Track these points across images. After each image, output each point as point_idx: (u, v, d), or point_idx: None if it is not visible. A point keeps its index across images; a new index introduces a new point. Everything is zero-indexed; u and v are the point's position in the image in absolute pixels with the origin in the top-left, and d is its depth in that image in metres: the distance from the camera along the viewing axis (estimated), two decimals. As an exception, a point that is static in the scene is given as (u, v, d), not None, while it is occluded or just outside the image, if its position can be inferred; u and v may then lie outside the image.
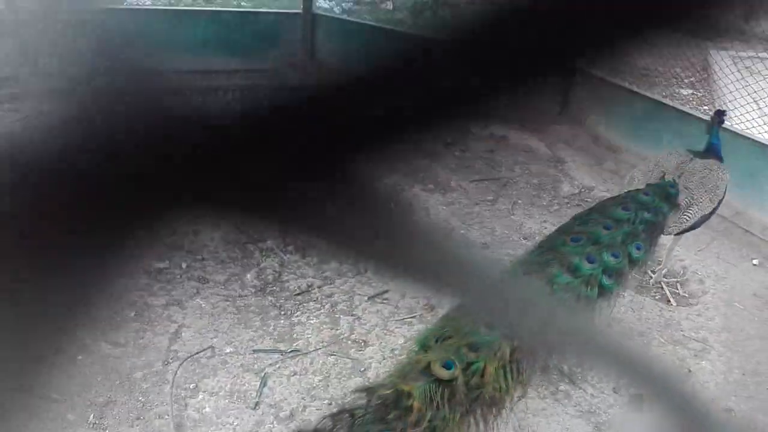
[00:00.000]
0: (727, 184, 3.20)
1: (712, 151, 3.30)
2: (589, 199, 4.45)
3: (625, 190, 3.06)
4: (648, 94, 4.93)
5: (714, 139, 3.33)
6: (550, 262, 2.46)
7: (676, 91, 6.81)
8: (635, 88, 5.03)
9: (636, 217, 2.76)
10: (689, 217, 3.04)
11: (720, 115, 3.43)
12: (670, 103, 4.76)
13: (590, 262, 2.46)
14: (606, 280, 2.46)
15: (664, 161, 3.18)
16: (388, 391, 1.86)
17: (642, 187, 3.04)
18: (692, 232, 3.22)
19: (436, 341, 2.07)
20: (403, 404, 1.83)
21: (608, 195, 4.48)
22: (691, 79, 7.09)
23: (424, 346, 2.08)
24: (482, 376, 1.98)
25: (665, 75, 6.81)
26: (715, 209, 3.16)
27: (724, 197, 3.19)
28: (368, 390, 1.92)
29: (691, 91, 6.98)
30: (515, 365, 2.06)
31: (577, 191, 4.55)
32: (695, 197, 3.04)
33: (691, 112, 4.68)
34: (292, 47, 6.20)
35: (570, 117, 5.39)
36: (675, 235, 3.17)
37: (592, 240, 2.57)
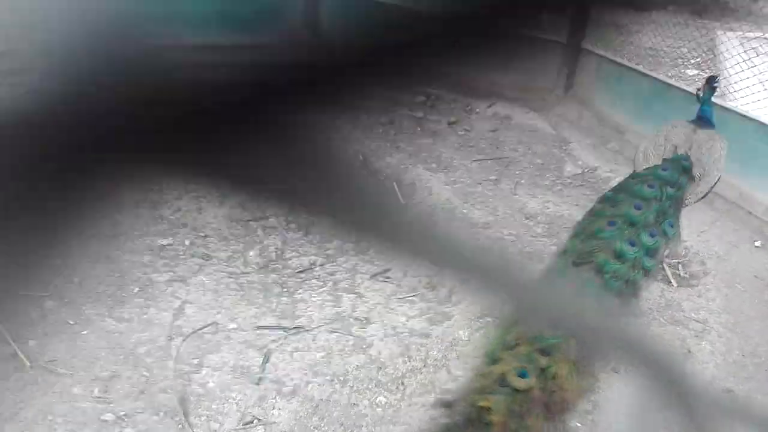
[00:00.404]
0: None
1: (705, 120, 3.30)
2: (592, 179, 4.44)
3: (643, 167, 3.05)
4: (654, 74, 4.88)
5: (706, 106, 3.32)
6: (594, 251, 2.46)
7: (682, 71, 6.75)
8: (641, 68, 4.99)
9: (662, 194, 2.77)
10: (703, 189, 3.05)
11: (711, 81, 3.39)
12: (676, 84, 4.71)
13: (632, 245, 2.48)
14: (647, 262, 2.49)
15: (672, 135, 3.17)
16: (468, 408, 1.84)
17: (658, 162, 3.03)
18: (694, 211, 3.21)
19: (505, 350, 2.05)
20: (484, 420, 1.81)
21: (612, 175, 4.49)
22: (698, 60, 7.02)
23: (493, 358, 2.05)
24: (556, 379, 1.96)
25: (671, 55, 6.74)
26: (719, 179, 3.17)
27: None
28: (449, 405, 1.91)
29: (697, 72, 6.92)
30: (583, 362, 2.06)
31: (580, 171, 4.54)
32: (706, 168, 3.05)
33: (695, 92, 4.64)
34: (295, 23, 6.15)
35: (575, 97, 5.35)
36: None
37: (628, 222, 2.58)
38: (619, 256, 2.44)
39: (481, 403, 1.84)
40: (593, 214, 2.80)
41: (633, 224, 2.58)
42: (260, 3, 5.99)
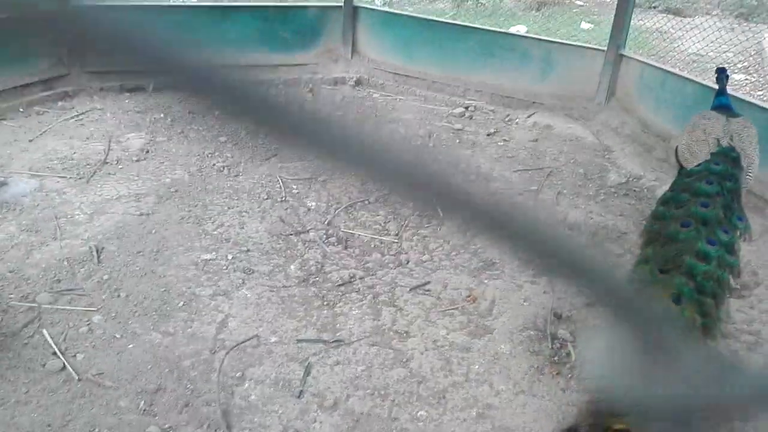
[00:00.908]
0: None
1: (727, 107, 3.36)
2: (636, 188, 4.34)
3: (693, 164, 3.02)
4: (699, 80, 4.76)
5: (724, 96, 3.42)
6: (680, 255, 2.42)
7: (730, 76, 6.58)
8: (686, 74, 4.88)
9: (722, 189, 2.74)
10: (751, 176, 3.04)
11: (722, 72, 3.52)
12: (722, 89, 4.58)
13: (712, 243, 2.44)
14: (729, 258, 2.45)
15: (709, 127, 3.14)
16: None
17: (706, 157, 2.99)
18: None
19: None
20: None
21: (657, 184, 4.38)
22: (744, 64, 6.84)
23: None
24: None
25: (716, 60, 6.58)
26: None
27: None
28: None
29: (744, 77, 6.73)
30: None
31: (624, 180, 4.45)
32: (750, 155, 3.03)
33: (743, 97, 4.51)
34: (334, 41, 6.23)
35: (617, 104, 5.26)
36: None
37: (701, 221, 2.55)
38: (704, 256, 2.39)
39: (617, 426, 1.70)
40: (660, 218, 2.76)
41: (706, 223, 2.53)
42: (299, 23, 6.10)
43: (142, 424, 2.37)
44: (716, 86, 3.58)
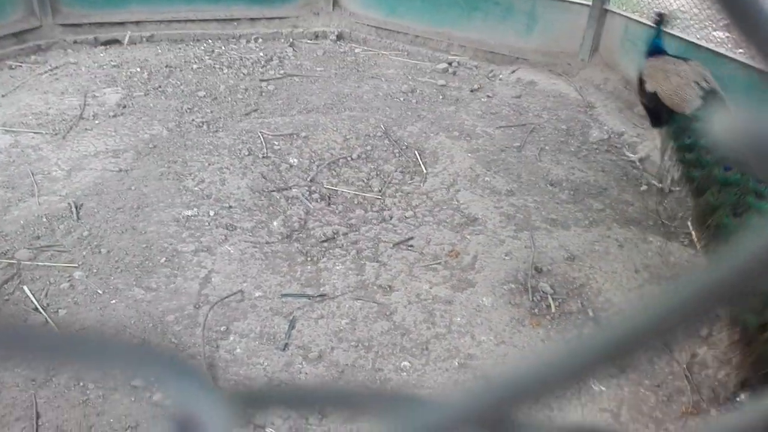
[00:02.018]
0: None
1: (664, 49, 3.74)
2: (618, 145, 4.36)
3: (690, 108, 3.29)
4: (682, 35, 4.75)
5: (660, 39, 3.78)
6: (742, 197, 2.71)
7: (711, 33, 6.56)
8: (669, 30, 4.85)
9: None
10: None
11: (661, 16, 3.84)
12: (705, 45, 4.58)
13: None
14: None
15: (683, 72, 3.43)
16: None
17: (698, 99, 3.30)
18: None
19: None
20: None
21: (638, 140, 4.40)
22: (726, 21, 6.80)
23: None
24: None
25: (699, 17, 6.54)
26: None
27: None
28: None
29: (726, 33, 6.71)
30: None
31: (606, 136, 4.46)
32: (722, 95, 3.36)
33: (726, 53, 4.51)
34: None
35: (601, 61, 5.23)
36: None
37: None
38: (760, 194, 2.71)
39: None
40: (697, 165, 3.07)
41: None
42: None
43: (126, 377, 2.38)
44: (659, 34, 3.82)
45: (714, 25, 6.57)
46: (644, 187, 3.92)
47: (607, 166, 4.12)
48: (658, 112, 3.55)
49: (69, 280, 2.85)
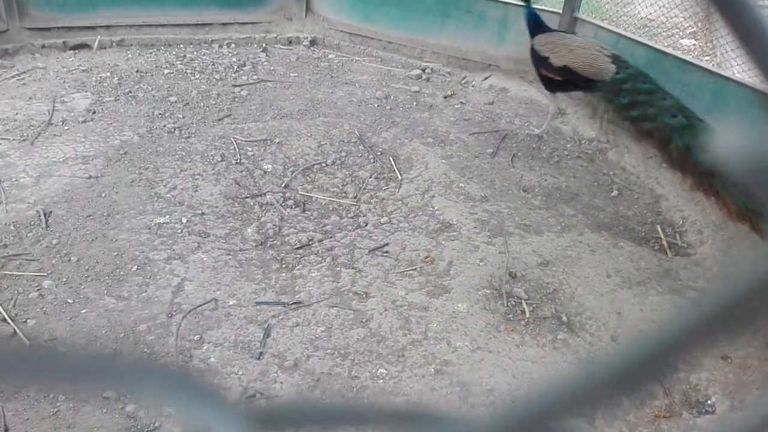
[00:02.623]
0: None
1: (545, 24, 4.29)
2: (588, 151, 4.43)
3: (608, 74, 3.81)
4: (650, 43, 4.84)
5: (537, 14, 4.28)
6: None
7: (678, 41, 6.71)
8: (637, 38, 4.95)
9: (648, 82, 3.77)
10: None
11: None
12: (672, 52, 4.68)
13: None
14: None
15: (582, 43, 4.03)
16: None
17: (611, 65, 3.86)
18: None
19: None
20: None
21: (609, 146, 4.47)
22: (693, 30, 6.98)
23: None
24: None
25: (666, 25, 6.69)
26: None
27: None
28: None
29: (692, 42, 6.88)
30: None
31: (578, 143, 4.53)
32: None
33: (692, 60, 4.61)
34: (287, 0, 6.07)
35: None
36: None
37: (677, 108, 3.57)
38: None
39: None
40: (650, 119, 3.60)
41: (679, 108, 3.59)
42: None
43: (98, 388, 2.33)
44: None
45: (681, 33, 6.73)
46: (615, 193, 3.98)
47: (578, 172, 4.18)
48: (572, 83, 4.05)
49: (38, 290, 2.78)
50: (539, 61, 4.14)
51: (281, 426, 0.36)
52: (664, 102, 3.63)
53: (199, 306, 2.80)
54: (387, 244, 3.33)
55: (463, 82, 5.34)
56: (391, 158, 4.08)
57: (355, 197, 3.71)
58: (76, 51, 5.17)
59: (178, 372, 0.36)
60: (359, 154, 4.12)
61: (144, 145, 3.99)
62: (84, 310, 2.71)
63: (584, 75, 3.83)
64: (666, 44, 5.81)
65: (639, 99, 3.65)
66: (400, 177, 3.91)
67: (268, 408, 0.35)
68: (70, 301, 2.75)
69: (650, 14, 6.38)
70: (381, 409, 0.37)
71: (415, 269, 3.17)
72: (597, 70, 3.78)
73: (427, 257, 3.26)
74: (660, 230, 3.65)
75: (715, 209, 3.73)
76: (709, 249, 3.49)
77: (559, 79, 4.06)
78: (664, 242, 3.55)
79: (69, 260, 2.98)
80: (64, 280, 2.86)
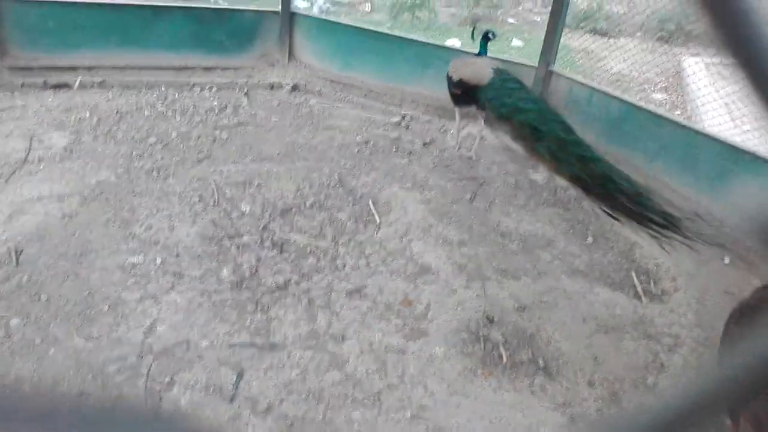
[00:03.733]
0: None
1: (480, 53, 5.02)
2: (564, 199, 4.50)
3: (485, 81, 4.53)
4: (623, 97, 5.00)
5: (483, 50, 5.00)
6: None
7: (650, 95, 6.93)
8: (611, 92, 5.11)
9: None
10: None
11: (487, 33, 5.03)
12: (645, 106, 4.83)
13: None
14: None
15: (480, 62, 4.78)
16: None
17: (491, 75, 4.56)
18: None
19: None
20: None
21: (584, 195, 4.55)
22: (664, 85, 7.23)
23: None
24: None
25: (638, 80, 6.93)
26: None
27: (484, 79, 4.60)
28: None
29: (664, 96, 7.11)
30: None
31: (553, 191, 4.60)
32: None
33: (664, 114, 4.76)
34: (270, 46, 6.17)
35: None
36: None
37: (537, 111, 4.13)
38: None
39: None
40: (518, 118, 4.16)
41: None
42: (235, 26, 6.01)
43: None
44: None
45: (653, 88, 6.96)
46: (590, 240, 4.03)
47: (554, 219, 4.23)
48: (465, 93, 4.71)
49: (5, 329, 2.70)
50: (449, 81, 4.89)
51: None
52: (522, 94, 4.31)
53: (171, 347, 2.73)
54: (365, 287, 3.31)
55: (441, 129, 5.43)
56: (370, 202, 4.10)
57: (333, 240, 3.70)
58: (56, 90, 5.17)
59: (148, 415, 0.35)
60: (338, 198, 4.13)
61: (121, 185, 3.96)
62: (52, 351, 2.63)
63: (471, 83, 4.59)
64: (638, 98, 6.00)
65: (504, 94, 4.33)
66: (378, 220, 3.92)
67: None
68: (38, 341, 2.67)
69: (623, 69, 6.61)
70: None
71: (392, 312, 3.15)
72: (479, 77, 4.53)
73: (404, 300, 3.24)
74: (635, 277, 3.68)
75: (688, 257, 3.80)
76: (683, 296, 3.53)
77: (458, 93, 4.81)
78: (639, 289, 3.58)
79: (38, 299, 2.91)
80: (33, 319, 2.78)
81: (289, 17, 6.08)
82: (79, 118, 4.78)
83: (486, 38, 5.05)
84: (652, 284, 3.65)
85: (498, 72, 4.57)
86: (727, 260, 3.91)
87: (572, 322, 3.23)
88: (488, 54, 5.04)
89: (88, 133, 4.58)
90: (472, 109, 4.93)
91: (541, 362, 2.93)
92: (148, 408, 2.39)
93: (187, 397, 2.50)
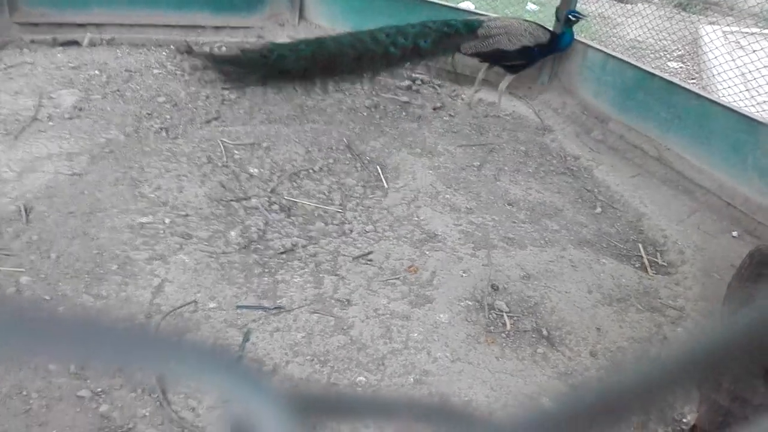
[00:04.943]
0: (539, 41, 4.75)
1: (560, 40, 4.85)
2: (574, 167, 4.47)
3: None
4: (638, 64, 4.91)
5: (569, 34, 4.85)
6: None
7: (665, 63, 6.80)
8: (625, 58, 5.01)
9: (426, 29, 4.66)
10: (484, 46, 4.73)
11: (568, 16, 4.77)
12: (660, 74, 4.74)
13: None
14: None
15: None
16: None
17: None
18: (673, 201, 3.47)
19: None
20: None
21: (594, 164, 4.52)
22: (680, 53, 7.08)
23: None
24: None
25: (654, 47, 6.79)
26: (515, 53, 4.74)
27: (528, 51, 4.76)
28: None
29: (679, 65, 6.98)
30: None
31: (563, 159, 4.56)
32: (494, 34, 4.68)
33: (679, 83, 4.68)
34: (280, 5, 6.07)
35: (559, 85, 5.36)
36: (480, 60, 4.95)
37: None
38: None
39: None
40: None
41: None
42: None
43: (72, 387, 2.30)
44: None
45: (668, 56, 6.82)
46: (598, 210, 4.02)
47: (563, 188, 4.21)
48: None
49: (15, 285, 2.74)
50: (505, 52, 4.86)
51: (319, 413, 0.35)
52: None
53: (179, 307, 2.77)
54: (371, 252, 3.32)
55: (452, 94, 5.37)
56: (378, 167, 4.09)
57: (341, 204, 3.70)
58: (66, 47, 5.13)
59: (217, 352, 0.35)
60: (346, 162, 4.12)
61: (130, 145, 3.96)
62: (61, 308, 2.66)
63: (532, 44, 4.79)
64: (653, 66, 5.89)
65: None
66: (386, 186, 3.92)
67: (307, 396, 0.35)
68: (47, 298, 2.71)
69: (639, 36, 6.47)
70: (412, 403, 0.37)
71: (398, 278, 3.17)
72: (536, 35, 4.76)
73: (410, 267, 3.26)
74: (642, 248, 3.68)
75: (696, 230, 3.78)
76: (690, 269, 3.53)
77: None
78: (645, 260, 3.58)
79: (48, 257, 2.94)
80: (42, 276, 2.82)
81: (300, -24, 5.96)
82: (89, 76, 4.75)
83: (568, 20, 4.76)
84: (658, 256, 3.65)
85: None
86: (735, 234, 3.90)
87: (577, 292, 3.24)
88: (571, 32, 4.84)
89: (97, 91, 4.56)
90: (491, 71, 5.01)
91: (544, 331, 2.95)
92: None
93: (194, 357, 2.54)
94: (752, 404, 2.08)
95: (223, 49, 5.32)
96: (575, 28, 4.89)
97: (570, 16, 4.77)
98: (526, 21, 4.86)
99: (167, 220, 3.32)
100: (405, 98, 5.17)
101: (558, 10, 5.01)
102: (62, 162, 3.66)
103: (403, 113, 4.92)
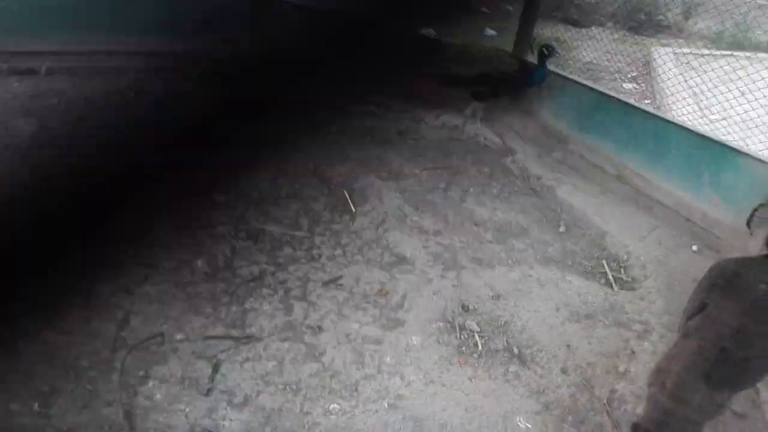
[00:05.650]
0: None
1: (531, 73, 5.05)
2: (538, 188, 4.54)
3: None
4: (595, 86, 5.05)
5: (542, 67, 4.96)
6: None
7: (621, 85, 7.01)
8: (583, 81, 5.16)
9: None
10: None
11: (543, 50, 4.88)
12: (616, 95, 4.89)
13: None
14: None
15: None
16: None
17: None
18: (635, 218, 3.59)
19: None
20: None
21: (556, 183, 4.61)
22: (634, 74, 7.32)
23: None
24: None
25: (609, 69, 7.00)
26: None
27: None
28: None
29: (633, 86, 7.20)
30: None
31: (526, 180, 4.64)
32: None
33: (635, 104, 4.83)
34: (235, 32, 6.07)
35: (521, 108, 5.47)
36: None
37: None
38: None
39: None
40: None
41: None
42: (197, 12, 5.88)
43: (37, 427, 2.22)
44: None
45: (623, 78, 7.04)
46: (562, 228, 4.08)
47: (527, 208, 4.27)
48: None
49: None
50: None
51: None
52: None
53: (145, 340, 2.70)
54: (341, 277, 3.30)
55: (416, 119, 5.43)
56: (345, 191, 4.09)
57: (308, 229, 3.69)
58: (22, 76, 5.03)
59: None
60: (313, 187, 4.11)
61: (91, 175, 3.87)
62: (21, 344, 2.58)
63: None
64: (609, 87, 6.07)
65: None
66: (354, 210, 3.92)
67: None
68: (8, 335, 2.61)
69: (594, 59, 6.67)
70: None
71: (369, 302, 3.15)
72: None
73: (380, 290, 3.25)
74: (606, 265, 3.75)
75: (658, 245, 3.88)
76: (653, 283, 3.60)
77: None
78: (610, 277, 3.65)
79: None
80: (3, 313, 2.72)
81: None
82: (46, 105, 4.65)
83: (542, 53, 4.88)
84: (622, 272, 3.72)
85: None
86: (695, 248, 4.00)
87: (546, 310, 3.28)
88: (545, 68, 4.96)
89: (55, 120, 4.47)
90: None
91: (515, 350, 2.97)
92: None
93: (162, 391, 2.47)
94: (692, 405, 2.14)
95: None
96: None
97: (543, 49, 4.84)
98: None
99: (131, 251, 3.25)
100: (370, 123, 5.21)
101: (532, 40, 5.16)
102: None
103: (369, 138, 4.95)
